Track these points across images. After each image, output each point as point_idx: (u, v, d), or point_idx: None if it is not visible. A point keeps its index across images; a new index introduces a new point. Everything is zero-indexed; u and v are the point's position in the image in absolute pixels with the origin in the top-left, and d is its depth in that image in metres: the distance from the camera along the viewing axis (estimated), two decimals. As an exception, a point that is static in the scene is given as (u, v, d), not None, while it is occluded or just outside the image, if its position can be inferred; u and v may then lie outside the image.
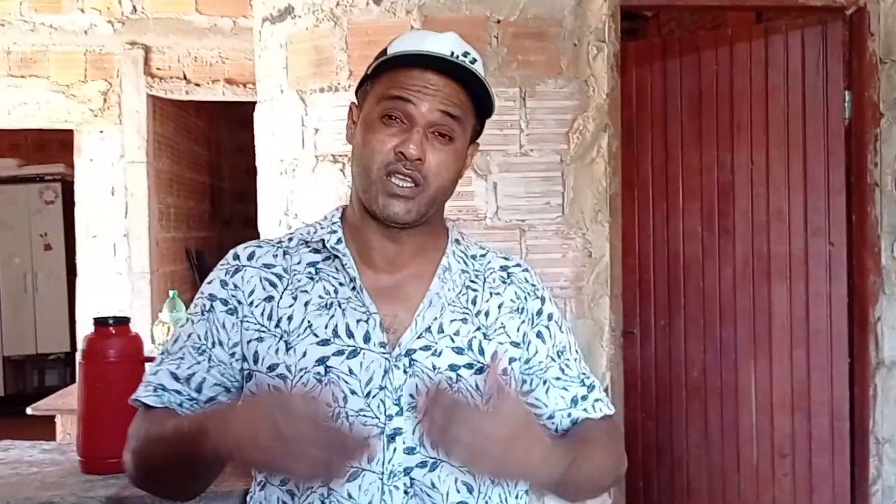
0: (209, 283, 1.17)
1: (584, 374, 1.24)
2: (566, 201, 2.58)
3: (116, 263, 4.32)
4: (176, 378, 1.14)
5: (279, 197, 2.72)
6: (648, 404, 3.12)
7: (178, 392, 1.13)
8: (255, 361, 1.12)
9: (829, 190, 2.80)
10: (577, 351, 1.26)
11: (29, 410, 3.03)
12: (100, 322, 1.57)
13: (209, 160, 6.32)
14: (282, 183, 2.71)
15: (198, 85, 4.29)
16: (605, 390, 2.57)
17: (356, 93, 1.19)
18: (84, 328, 4.30)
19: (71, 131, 4.35)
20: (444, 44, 1.11)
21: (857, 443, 2.79)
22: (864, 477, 2.77)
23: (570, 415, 1.21)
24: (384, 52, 1.15)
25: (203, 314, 1.15)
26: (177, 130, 4.99)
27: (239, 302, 1.14)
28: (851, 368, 2.80)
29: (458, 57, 1.10)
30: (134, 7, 4.16)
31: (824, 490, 2.83)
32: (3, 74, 4.24)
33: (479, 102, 1.15)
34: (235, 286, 1.14)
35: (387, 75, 1.12)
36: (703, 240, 3.00)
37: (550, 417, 1.21)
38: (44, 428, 3.25)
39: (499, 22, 2.56)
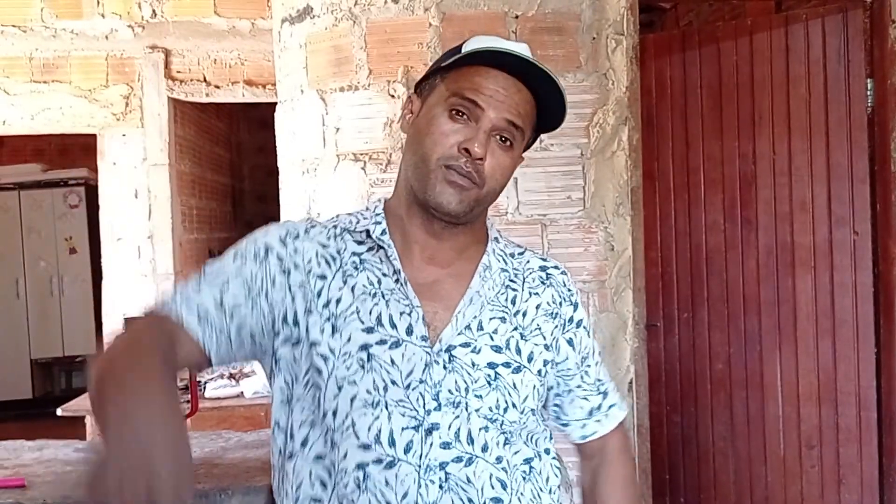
0: (267, 233, 1.14)
1: (600, 380, 1.27)
2: (587, 195, 2.58)
3: (141, 265, 4.37)
4: (221, 306, 1.09)
5: (301, 196, 2.74)
6: (673, 397, 3.11)
7: (217, 326, 1.08)
8: (307, 332, 1.10)
9: (853, 178, 2.78)
10: (598, 354, 1.29)
11: (59, 411, 3.07)
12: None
13: (230, 161, 6.37)
14: (304, 182, 2.73)
15: (218, 87, 4.33)
16: (630, 383, 2.59)
17: (417, 85, 1.19)
18: (110, 330, 4.36)
19: (94, 135, 4.40)
20: (521, 49, 1.12)
21: (885, 433, 2.77)
22: (892, 467, 2.75)
23: (584, 426, 1.26)
24: (458, 48, 1.15)
25: (256, 260, 1.12)
26: (198, 133, 5.03)
27: (295, 265, 1.12)
28: (878, 358, 2.78)
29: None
30: (154, 11, 4.20)
31: (852, 481, 2.82)
32: (26, 80, 4.30)
33: (542, 114, 1.16)
34: (295, 250, 1.13)
35: (461, 71, 1.12)
36: (726, 231, 2.99)
37: (566, 425, 1.27)
38: (73, 428, 3.30)
39: (517, 17, 2.57)
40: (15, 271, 6.62)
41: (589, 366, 1.25)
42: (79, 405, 3.15)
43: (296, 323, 1.11)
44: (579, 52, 2.57)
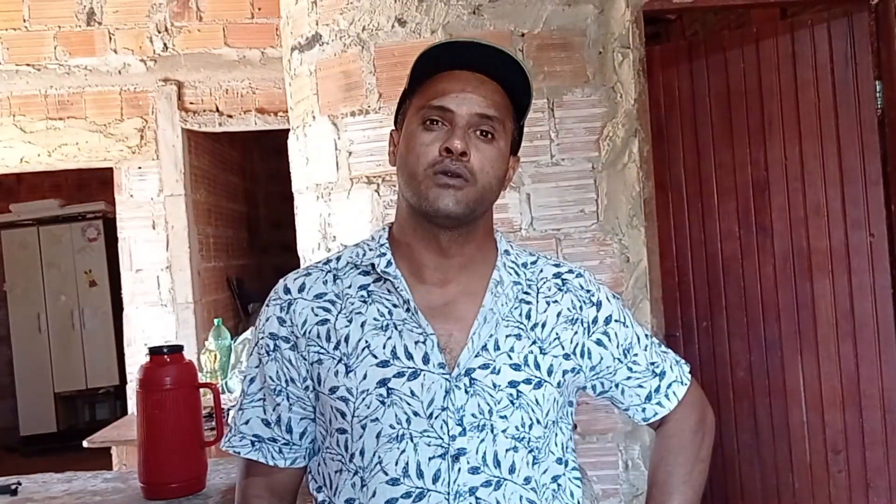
0: (267, 320, 1.19)
1: (653, 363, 1.26)
2: (600, 208, 2.59)
3: (160, 295, 4.40)
4: (267, 423, 1.18)
5: (317, 221, 2.77)
6: (696, 407, 3.09)
7: (274, 439, 1.18)
8: (319, 383, 1.14)
9: (866, 181, 2.78)
10: (645, 337, 1.28)
11: (85, 443, 3.09)
12: (155, 351, 1.62)
13: (244, 189, 6.42)
14: (318, 207, 2.76)
15: (230, 116, 4.38)
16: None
17: (395, 119, 1.22)
18: (132, 361, 4.39)
19: (110, 169, 4.46)
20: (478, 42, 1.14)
21: (912, 435, 2.75)
22: (921, 469, 2.73)
23: (643, 409, 1.27)
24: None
25: (269, 354, 1.17)
26: (212, 162, 5.08)
27: (297, 336, 1.15)
28: (901, 360, 2.76)
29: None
30: (165, 45, 4.26)
31: (880, 484, 2.79)
32: (42, 117, 4.36)
33: (517, 103, 1.16)
34: (291, 321, 1.16)
35: (425, 85, 1.14)
36: (741, 238, 2.98)
37: (627, 410, 1.28)
38: (99, 460, 3.32)
39: (523, 35, 2.59)
40: (36, 306, 6.68)
41: (636, 354, 1.24)
42: (104, 436, 3.16)
43: (317, 380, 1.14)
44: (586, 67, 2.60)
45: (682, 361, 1.32)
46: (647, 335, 1.28)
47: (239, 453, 1.19)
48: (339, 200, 2.68)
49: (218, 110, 4.37)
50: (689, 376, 1.31)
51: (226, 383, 3.36)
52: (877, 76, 2.75)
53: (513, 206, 2.58)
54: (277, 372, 1.17)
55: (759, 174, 2.94)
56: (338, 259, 1.21)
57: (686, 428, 1.28)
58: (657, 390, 1.26)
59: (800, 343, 2.89)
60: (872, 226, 2.77)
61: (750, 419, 2.99)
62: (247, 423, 1.19)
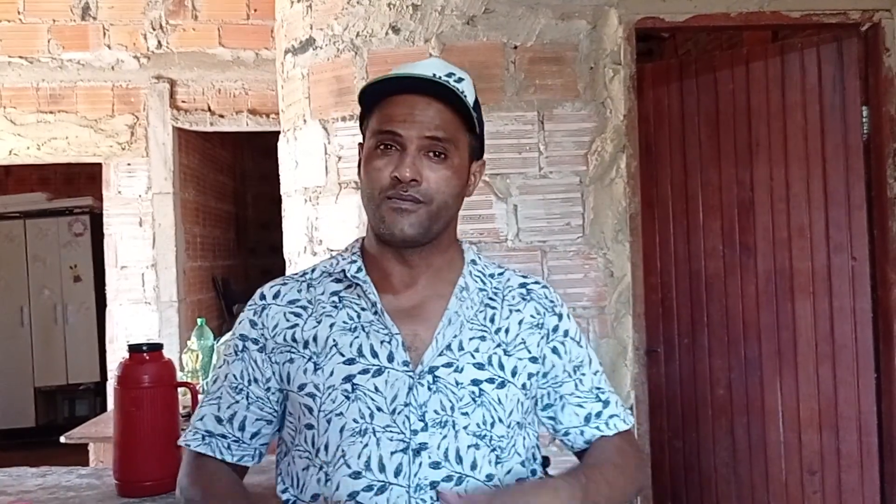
0: (240, 323, 1.24)
1: (598, 388, 1.28)
2: (586, 222, 2.61)
3: (145, 293, 4.39)
4: (219, 420, 1.22)
5: (304, 224, 2.77)
6: (674, 423, 3.11)
7: (224, 435, 1.22)
8: (288, 381, 1.18)
9: (850, 205, 2.81)
10: (597, 365, 1.30)
11: (62, 439, 3.06)
12: (134, 349, 1.62)
13: (234, 189, 6.42)
14: (306, 211, 2.76)
15: (222, 116, 4.38)
16: (630, 408, 2.60)
17: (362, 131, 1.25)
18: (113, 358, 4.37)
19: (99, 164, 4.44)
20: (425, 67, 1.17)
21: (887, 458, 2.77)
22: (894, 493, 2.75)
23: (582, 433, 1.26)
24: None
25: (237, 354, 1.23)
26: (202, 161, 5.08)
27: (266, 338, 1.21)
28: (878, 383, 2.78)
29: (440, 77, 1.14)
30: (159, 42, 4.26)
31: (855, 507, 2.81)
32: (33, 110, 4.35)
33: (470, 119, 1.19)
34: (263, 324, 1.21)
35: (377, 109, 1.17)
36: (725, 257, 3.01)
37: (566, 434, 1.27)
38: (76, 456, 3.29)
39: (515, 48, 2.61)
40: (20, 299, 6.64)
41: (584, 374, 1.26)
42: (82, 433, 3.13)
43: (287, 379, 1.18)
44: (577, 82, 2.62)
45: (629, 410, 1.33)
46: (599, 363, 1.31)
47: (189, 446, 1.23)
48: (327, 205, 2.68)
49: (210, 110, 4.37)
50: (633, 421, 1.31)
51: (207, 383, 3.35)
52: (864, 101, 2.78)
53: (499, 216, 2.59)
54: (242, 371, 1.22)
55: (744, 194, 2.97)
56: (313, 270, 1.27)
57: (621, 452, 1.25)
58: (598, 415, 1.26)
59: (779, 363, 2.91)
60: (855, 249, 2.80)
61: (728, 437, 3.01)
62: (201, 419, 1.23)
